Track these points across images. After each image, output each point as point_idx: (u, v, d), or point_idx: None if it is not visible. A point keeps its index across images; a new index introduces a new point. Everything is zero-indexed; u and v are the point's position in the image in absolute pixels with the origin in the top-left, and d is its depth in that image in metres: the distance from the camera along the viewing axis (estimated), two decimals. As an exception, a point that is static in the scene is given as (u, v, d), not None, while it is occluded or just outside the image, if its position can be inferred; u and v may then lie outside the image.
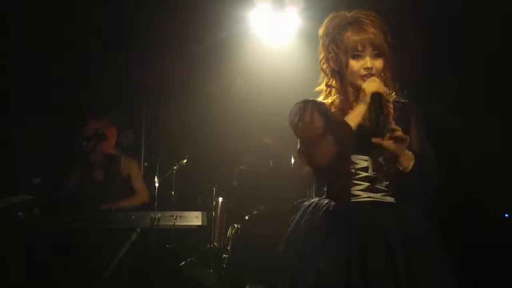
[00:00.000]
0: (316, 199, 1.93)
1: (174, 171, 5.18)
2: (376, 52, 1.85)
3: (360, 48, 1.84)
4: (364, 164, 1.86)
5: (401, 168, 1.81)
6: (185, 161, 5.18)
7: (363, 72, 1.85)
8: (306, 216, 1.88)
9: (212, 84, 6.04)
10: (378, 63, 1.86)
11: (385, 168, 1.85)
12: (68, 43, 4.85)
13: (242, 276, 4.35)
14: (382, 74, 1.88)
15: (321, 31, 1.96)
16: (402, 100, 1.98)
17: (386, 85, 1.88)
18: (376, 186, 1.86)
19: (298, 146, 1.93)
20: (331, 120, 1.87)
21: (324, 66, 1.98)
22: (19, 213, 3.56)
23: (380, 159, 1.85)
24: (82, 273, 3.58)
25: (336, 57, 1.90)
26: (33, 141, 4.76)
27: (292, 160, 5.25)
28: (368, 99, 1.80)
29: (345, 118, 1.82)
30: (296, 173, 5.24)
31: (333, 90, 1.96)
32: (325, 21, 1.96)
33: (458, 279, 1.78)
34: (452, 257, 1.80)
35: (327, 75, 1.98)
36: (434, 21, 4.04)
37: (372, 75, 1.84)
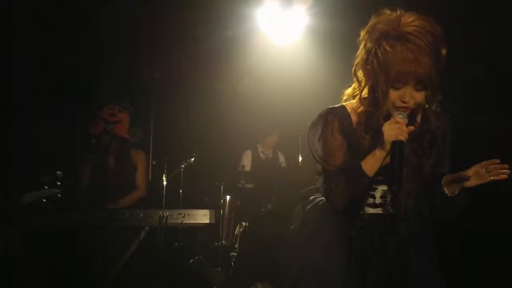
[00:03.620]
0: (321, 197, 1.90)
1: (182, 170, 5.20)
2: (419, 86, 1.64)
3: (402, 83, 1.63)
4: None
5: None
6: (193, 159, 5.19)
7: (398, 103, 1.65)
8: (312, 218, 1.87)
9: (220, 83, 6.05)
10: (419, 96, 1.66)
11: (392, 197, 1.77)
12: (77, 42, 4.87)
13: (250, 274, 4.35)
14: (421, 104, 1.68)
15: (363, 33, 1.73)
16: (433, 109, 1.79)
17: (426, 99, 1.68)
18: (380, 202, 1.81)
19: (317, 165, 1.82)
20: (352, 149, 1.74)
21: (358, 73, 1.77)
22: (49, 207, 3.56)
23: (390, 195, 1.78)
24: (90, 272, 3.59)
25: (374, 75, 1.67)
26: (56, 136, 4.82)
27: (300, 158, 5.24)
28: (387, 147, 1.63)
29: (363, 162, 1.68)
30: (304, 171, 5.23)
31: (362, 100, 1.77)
32: (371, 22, 1.71)
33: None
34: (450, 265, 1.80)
35: (359, 83, 1.79)
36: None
37: (407, 108, 1.66)
